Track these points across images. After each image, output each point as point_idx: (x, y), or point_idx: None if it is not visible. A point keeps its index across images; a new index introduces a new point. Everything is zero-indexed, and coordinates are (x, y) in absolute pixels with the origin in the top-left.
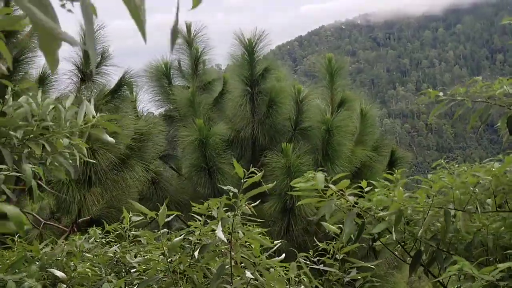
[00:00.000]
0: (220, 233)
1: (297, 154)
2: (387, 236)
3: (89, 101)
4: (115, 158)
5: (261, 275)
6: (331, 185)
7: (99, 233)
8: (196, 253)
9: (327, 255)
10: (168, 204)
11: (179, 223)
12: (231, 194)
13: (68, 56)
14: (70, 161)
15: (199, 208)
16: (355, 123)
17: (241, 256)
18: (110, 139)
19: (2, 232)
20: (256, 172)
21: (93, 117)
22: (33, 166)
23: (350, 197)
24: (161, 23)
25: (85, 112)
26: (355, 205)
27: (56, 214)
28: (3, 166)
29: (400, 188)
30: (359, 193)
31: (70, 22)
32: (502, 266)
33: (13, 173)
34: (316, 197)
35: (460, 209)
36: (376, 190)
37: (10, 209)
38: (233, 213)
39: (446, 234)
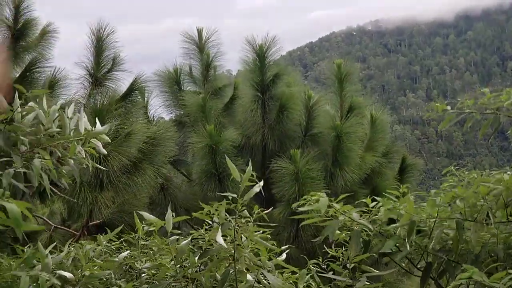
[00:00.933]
0: (219, 238)
1: (306, 160)
2: (394, 250)
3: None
4: (127, 161)
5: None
6: (335, 204)
7: (105, 241)
8: (196, 258)
9: (337, 262)
10: (177, 209)
11: (188, 228)
12: (230, 198)
13: (79, 61)
14: (84, 165)
15: (201, 213)
16: (365, 129)
17: (246, 262)
18: (103, 150)
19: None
20: (253, 175)
21: (87, 129)
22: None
23: (355, 215)
24: (171, 29)
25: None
26: (359, 223)
27: (67, 222)
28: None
29: (410, 197)
30: (365, 210)
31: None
32: None
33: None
34: (319, 217)
35: (472, 220)
36: (382, 205)
37: (9, 205)
38: (234, 217)
39: (459, 245)
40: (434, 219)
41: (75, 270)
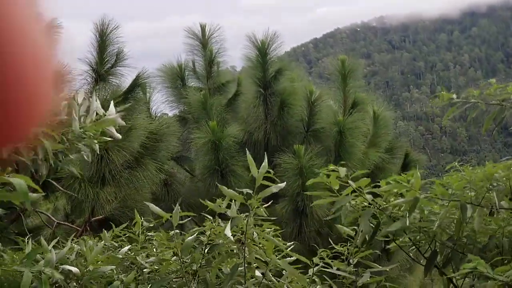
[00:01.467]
0: (228, 231)
1: (310, 155)
2: (401, 239)
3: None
4: (129, 156)
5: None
6: (350, 182)
7: (109, 237)
8: (205, 251)
9: (341, 257)
10: (181, 205)
11: (192, 224)
12: (244, 194)
13: (83, 56)
14: (86, 154)
15: (211, 204)
16: (368, 125)
17: (255, 257)
18: (118, 135)
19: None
20: (269, 172)
21: (104, 114)
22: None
23: (368, 196)
24: (175, 26)
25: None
26: (372, 204)
27: (71, 216)
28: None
29: (418, 174)
30: (375, 192)
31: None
32: None
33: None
34: (331, 198)
35: (477, 204)
36: (392, 188)
37: (15, 180)
38: (247, 213)
39: (462, 229)
40: (444, 199)
41: (79, 265)
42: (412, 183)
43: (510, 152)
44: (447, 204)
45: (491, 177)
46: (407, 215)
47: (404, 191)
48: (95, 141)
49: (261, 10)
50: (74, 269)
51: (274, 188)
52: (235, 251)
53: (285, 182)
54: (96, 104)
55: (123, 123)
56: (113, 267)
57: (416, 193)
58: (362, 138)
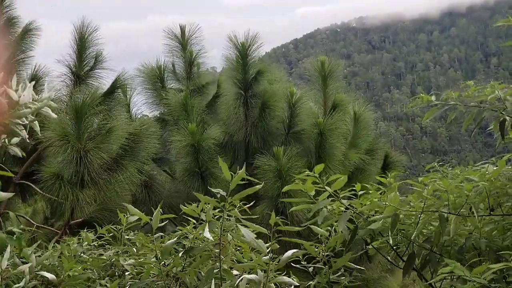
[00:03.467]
0: (207, 233)
1: (289, 157)
2: (380, 240)
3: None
4: (108, 158)
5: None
6: (326, 187)
7: (92, 237)
8: (180, 254)
9: (317, 258)
10: (161, 207)
11: (172, 227)
12: (219, 196)
13: (61, 58)
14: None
15: (186, 208)
16: (348, 126)
17: (231, 260)
18: (54, 115)
19: None
20: (245, 174)
21: (34, 100)
22: None
23: (344, 201)
24: (155, 25)
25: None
26: (348, 208)
27: (50, 220)
28: None
29: (396, 192)
30: (352, 196)
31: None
32: (494, 266)
33: None
34: (309, 203)
35: (454, 213)
36: (369, 193)
37: None
38: (221, 215)
39: (441, 238)
40: (419, 211)
41: (59, 270)
42: (390, 198)
43: (490, 151)
44: (424, 205)
45: (470, 190)
46: (389, 233)
47: (382, 206)
48: (36, 122)
49: (242, 9)
50: (50, 276)
51: (249, 190)
52: (213, 255)
53: (262, 184)
54: (31, 88)
55: (55, 105)
56: (93, 270)
57: (395, 209)
58: (343, 139)
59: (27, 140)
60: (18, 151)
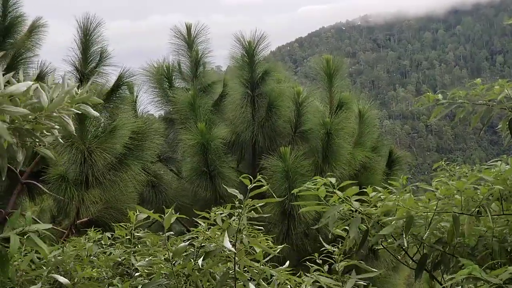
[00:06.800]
0: (227, 243)
1: (296, 157)
2: (389, 240)
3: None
4: (112, 157)
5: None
6: (337, 192)
7: (100, 236)
8: (200, 260)
9: (330, 260)
10: (168, 207)
11: (179, 225)
12: (235, 199)
13: (66, 57)
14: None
15: (203, 216)
16: (353, 124)
17: (246, 262)
18: (95, 113)
19: None
20: (261, 180)
21: (76, 93)
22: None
23: (355, 203)
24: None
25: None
26: (360, 211)
27: (57, 219)
28: None
29: (411, 194)
30: (363, 198)
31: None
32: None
33: None
34: (319, 205)
35: (468, 213)
36: (380, 195)
37: None
38: (237, 220)
39: (454, 238)
40: (432, 212)
41: (73, 271)
42: (404, 200)
43: (495, 150)
44: (436, 206)
45: (485, 192)
46: (404, 235)
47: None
48: (70, 121)
49: (242, 9)
50: (63, 280)
51: (263, 189)
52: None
53: (268, 185)
54: (71, 84)
55: (100, 101)
56: (105, 270)
57: (408, 210)
58: (349, 138)
59: (60, 140)
60: (49, 153)
